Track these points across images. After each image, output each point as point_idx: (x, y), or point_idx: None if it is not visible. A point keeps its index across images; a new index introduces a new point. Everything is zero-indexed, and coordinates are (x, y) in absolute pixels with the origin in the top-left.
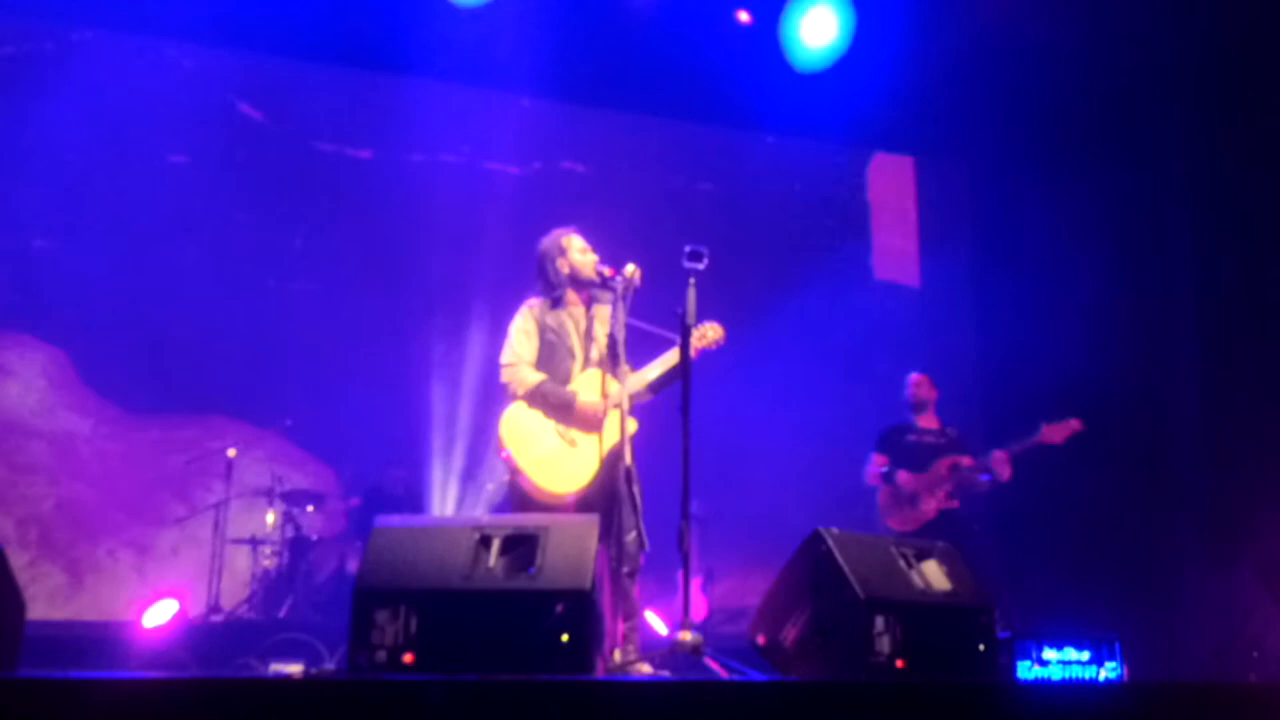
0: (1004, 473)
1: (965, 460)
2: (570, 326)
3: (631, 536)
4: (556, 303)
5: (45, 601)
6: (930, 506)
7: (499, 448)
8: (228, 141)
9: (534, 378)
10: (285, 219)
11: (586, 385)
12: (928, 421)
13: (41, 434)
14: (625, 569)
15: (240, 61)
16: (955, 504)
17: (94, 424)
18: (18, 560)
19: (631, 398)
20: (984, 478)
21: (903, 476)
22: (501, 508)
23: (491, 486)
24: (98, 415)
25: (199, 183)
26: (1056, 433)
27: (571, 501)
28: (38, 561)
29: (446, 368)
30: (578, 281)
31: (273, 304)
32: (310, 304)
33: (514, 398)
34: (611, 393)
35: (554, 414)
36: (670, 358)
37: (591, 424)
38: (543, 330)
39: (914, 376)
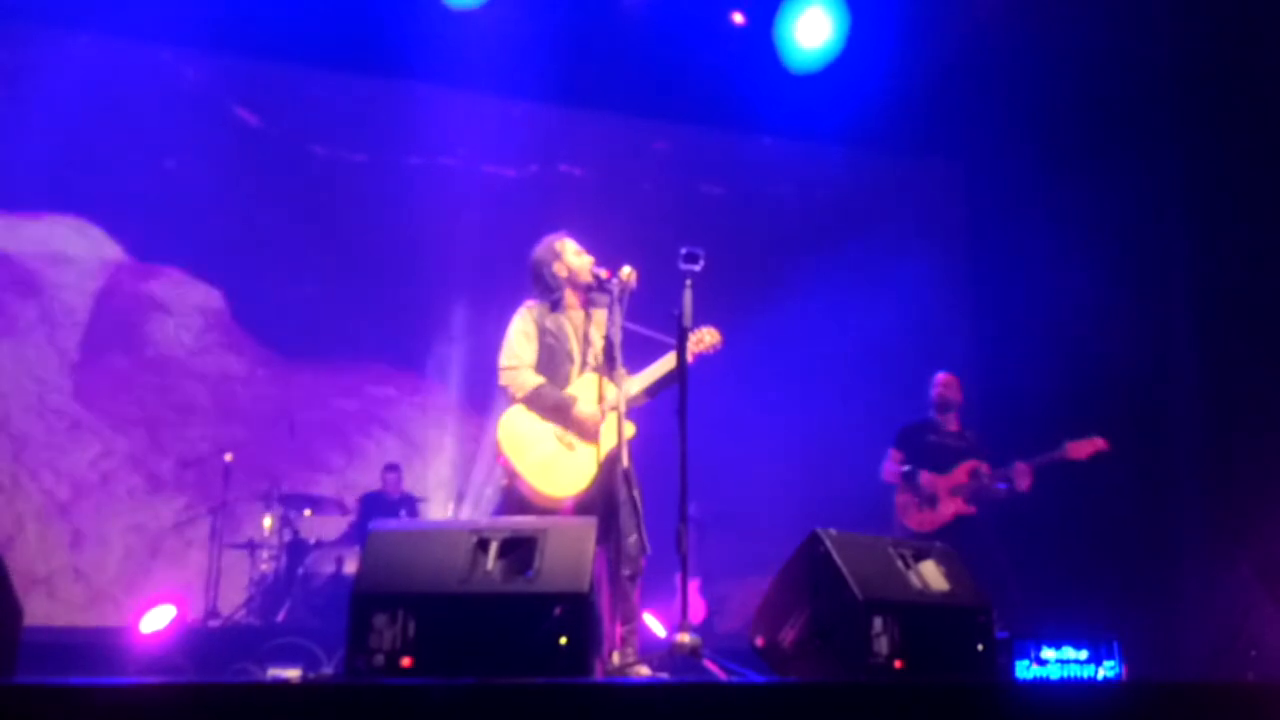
0: (1023, 483)
1: (984, 466)
2: (569, 330)
3: (632, 540)
4: (555, 306)
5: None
6: (948, 510)
7: (497, 452)
8: (223, 146)
9: (533, 381)
10: (280, 223)
11: (584, 389)
12: (950, 423)
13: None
14: (627, 572)
15: (236, 66)
16: (973, 510)
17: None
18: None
19: (628, 401)
20: (1001, 486)
21: (925, 477)
22: (499, 512)
23: (489, 491)
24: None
25: (192, 186)
26: (1081, 449)
27: (569, 505)
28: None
29: (444, 370)
30: (575, 284)
31: (275, 308)
32: (309, 308)
33: (513, 400)
34: (608, 396)
35: (551, 417)
36: (667, 362)
37: (588, 430)
38: (542, 333)
39: (943, 376)
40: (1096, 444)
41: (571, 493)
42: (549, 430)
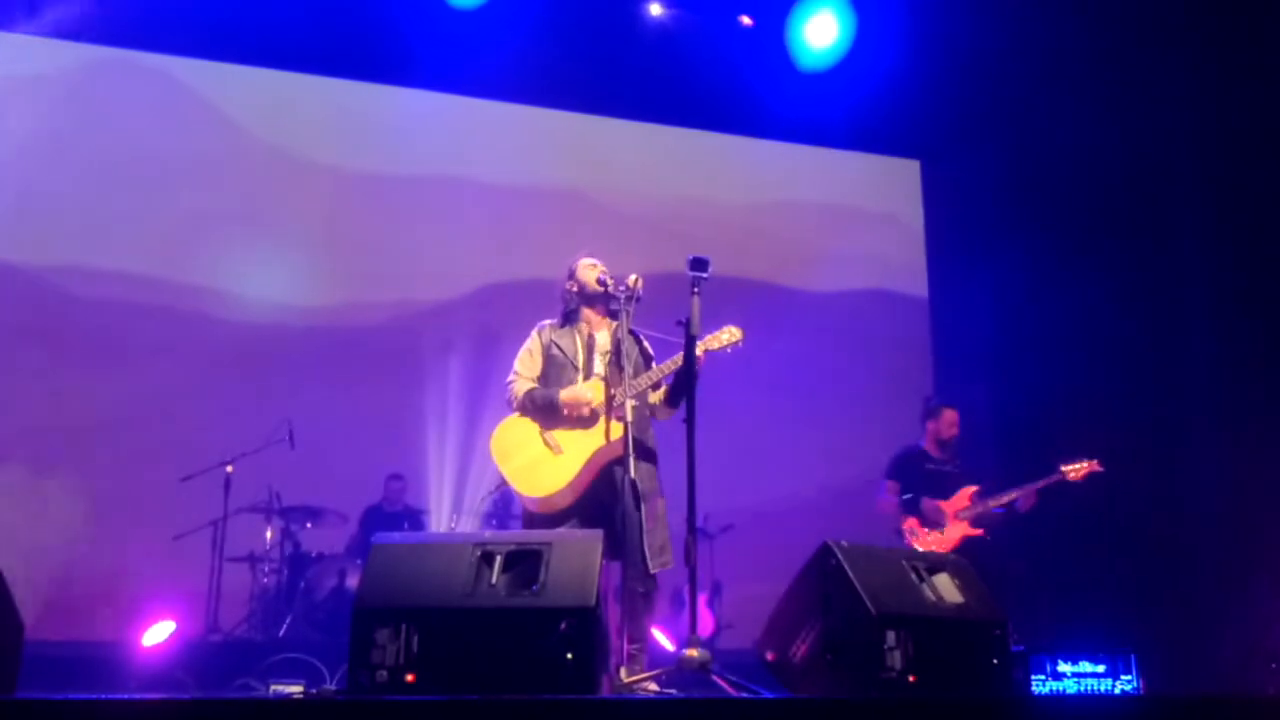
0: (1025, 505)
1: (981, 490)
2: (577, 342)
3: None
4: (567, 320)
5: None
6: (955, 534)
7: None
8: (219, 152)
9: (525, 387)
10: (279, 232)
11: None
12: (942, 451)
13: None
14: (641, 589)
15: (231, 71)
16: (980, 532)
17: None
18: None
19: (646, 406)
20: (998, 511)
21: (927, 504)
22: (492, 519)
23: (481, 497)
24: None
25: (187, 193)
26: (1075, 472)
27: (561, 508)
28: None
29: (446, 382)
30: (585, 297)
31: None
32: (309, 318)
33: (511, 410)
34: (607, 399)
35: (542, 418)
36: (675, 361)
37: (578, 415)
38: (548, 348)
39: (953, 415)
40: (1091, 466)
41: (548, 491)
42: (536, 434)
